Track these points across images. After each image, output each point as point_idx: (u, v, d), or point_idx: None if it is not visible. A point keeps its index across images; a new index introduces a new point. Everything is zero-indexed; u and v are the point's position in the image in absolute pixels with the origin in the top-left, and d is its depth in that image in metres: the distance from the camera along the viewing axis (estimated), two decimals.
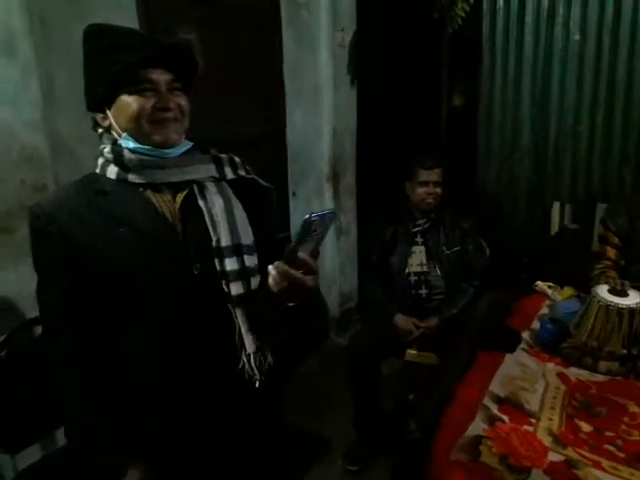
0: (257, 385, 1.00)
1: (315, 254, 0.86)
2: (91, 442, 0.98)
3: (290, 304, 0.91)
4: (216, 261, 0.96)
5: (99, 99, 0.95)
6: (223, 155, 1.04)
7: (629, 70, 2.50)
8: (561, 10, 2.57)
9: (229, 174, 1.03)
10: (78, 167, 1.58)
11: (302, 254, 0.83)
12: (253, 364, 0.99)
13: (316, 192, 2.96)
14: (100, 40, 0.93)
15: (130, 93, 0.91)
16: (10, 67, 1.42)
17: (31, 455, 1.44)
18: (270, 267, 0.85)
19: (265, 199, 1.10)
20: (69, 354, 0.97)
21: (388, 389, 2.21)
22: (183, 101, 0.97)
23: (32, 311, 1.36)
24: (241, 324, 0.98)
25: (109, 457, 0.97)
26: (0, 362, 1.29)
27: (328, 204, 3.04)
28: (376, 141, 3.12)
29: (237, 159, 1.07)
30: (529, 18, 2.66)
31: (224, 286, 0.97)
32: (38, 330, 1.37)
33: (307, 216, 0.78)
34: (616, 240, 2.13)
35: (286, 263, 0.84)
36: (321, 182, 2.99)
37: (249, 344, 0.99)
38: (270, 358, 1.03)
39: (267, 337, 1.03)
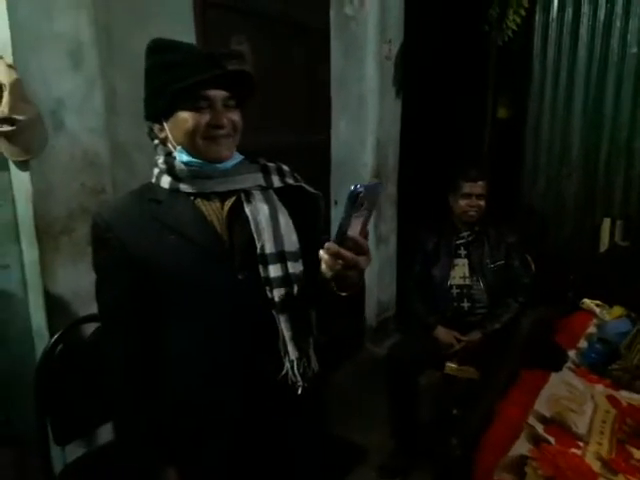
0: (299, 392, 1.00)
1: (364, 233, 0.82)
2: (133, 443, 1.03)
3: (343, 293, 0.89)
4: (260, 268, 0.98)
5: (158, 112, 0.99)
6: (271, 164, 1.06)
7: None
8: (618, 23, 2.51)
9: (276, 182, 1.04)
10: (134, 172, 1.67)
11: (351, 233, 0.79)
12: (296, 370, 1.00)
13: None
14: (162, 55, 0.97)
15: (187, 109, 0.95)
16: (77, 77, 1.50)
17: (79, 448, 1.51)
18: (321, 251, 0.81)
19: (313, 206, 1.11)
20: (122, 354, 1.02)
21: (426, 401, 2.19)
22: (236, 117, 0.99)
23: (87, 308, 1.44)
24: (284, 330, 0.99)
25: (145, 460, 1.02)
26: (56, 356, 1.35)
27: None
28: (419, 152, 3.12)
29: (285, 167, 1.09)
30: (583, 31, 2.61)
31: (268, 292, 0.99)
32: (91, 327, 1.43)
33: (352, 188, 0.73)
34: None
35: (337, 244, 0.80)
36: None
37: (292, 350, 1.00)
38: (315, 364, 1.04)
39: (319, 334, 1.05)
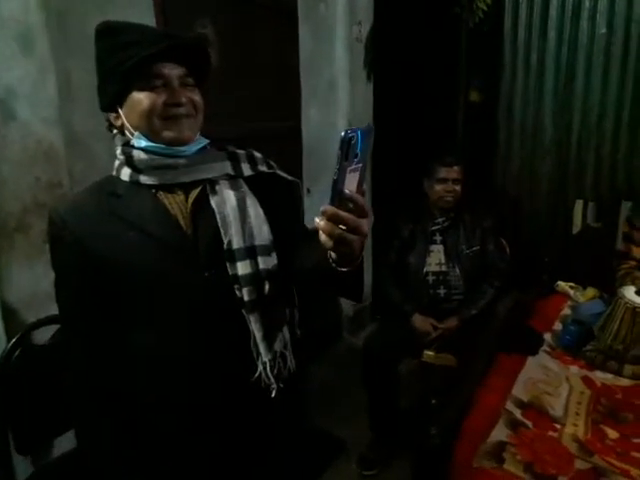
0: (273, 394, 0.96)
1: (361, 191, 0.68)
2: (96, 450, 0.97)
3: (343, 269, 0.76)
4: (227, 264, 0.93)
5: (111, 98, 0.93)
6: (241, 151, 1.01)
7: None
8: (587, 3, 2.50)
9: (246, 170, 0.99)
10: (94, 164, 1.59)
11: (348, 191, 0.66)
12: (269, 372, 0.95)
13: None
14: (111, 37, 0.90)
15: (141, 89, 0.89)
16: (27, 64, 1.40)
17: (45, 456, 1.44)
18: (316, 218, 0.68)
19: (289, 194, 1.06)
20: (84, 356, 0.96)
21: (404, 390, 2.18)
22: (196, 96, 0.94)
23: (47, 310, 1.36)
24: (255, 330, 0.94)
25: (109, 467, 0.96)
26: (14, 362, 1.27)
27: None
28: (392, 137, 3.08)
29: (257, 154, 1.03)
30: (553, 12, 2.59)
31: (236, 291, 0.93)
32: (51, 330, 1.36)
33: (343, 133, 0.61)
34: None
35: (333, 205, 0.67)
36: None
37: (264, 351, 0.95)
38: (291, 363, 0.99)
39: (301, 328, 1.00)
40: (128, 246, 0.90)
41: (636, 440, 1.30)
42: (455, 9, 2.69)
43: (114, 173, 0.97)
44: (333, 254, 0.73)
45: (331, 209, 0.66)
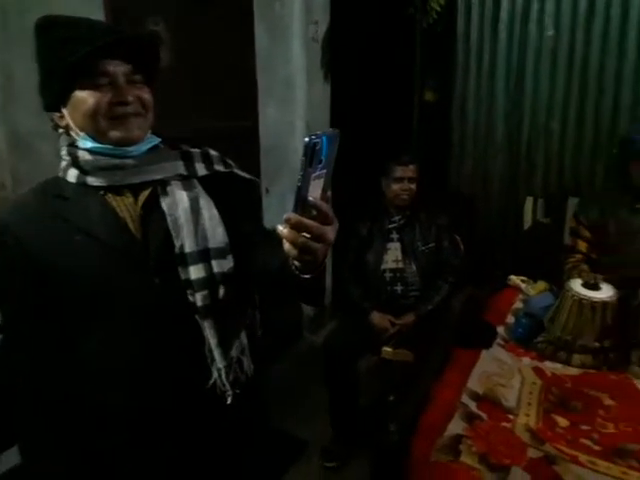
0: (229, 401, 0.94)
1: (325, 197, 0.65)
2: (38, 466, 0.94)
3: (306, 276, 0.73)
4: (179, 269, 0.90)
5: (54, 97, 0.88)
6: (195, 150, 0.97)
7: (601, 66, 2.53)
8: (535, 6, 2.59)
9: (201, 170, 0.95)
10: (38, 165, 1.52)
11: (312, 198, 0.63)
12: (224, 379, 0.93)
13: (291, 188, 2.89)
14: (52, 32, 0.85)
15: (84, 88, 0.85)
16: None
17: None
18: (279, 226, 0.65)
19: (248, 193, 1.04)
20: (27, 367, 0.92)
21: (364, 387, 2.20)
22: (145, 94, 0.89)
23: None
24: (210, 337, 0.91)
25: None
26: None
27: None
28: (349, 137, 3.09)
29: (213, 153, 0.99)
30: (503, 14, 2.67)
31: (189, 296, 0.90)
32: None
33: (307, 139, 0.59)
34: (587, 234, 2.16)
35: (297, 213, 0.64)
36: (295, 178, 2.93)
37: (219, 358, 0.92)
38: (249, 368, 0.97)
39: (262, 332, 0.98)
40: (74, 250, 0.87)
41: (585, 427, 1.36)
42: (409, 9, 2.73)
43: (60, 174, 0.93)
44: (296, 262, 0.71)
45: (294, 217, 0.63)
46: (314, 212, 0.64)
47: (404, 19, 2.86)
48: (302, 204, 0.63)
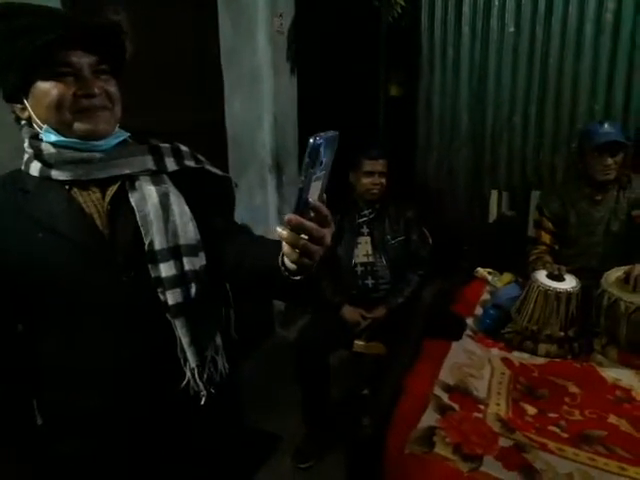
0: (202, 402, 0.92)
1: (322, 199, 0.65)
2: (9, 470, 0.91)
3: (297, 277, 0.72)
4: (150, 267, 0.87)
5: (13, 88, 0.83)
6: (165, 145, 0.94)
7: (560, 62, 2.59)
8: (497, 2, 2.62)
9: (170, 165, 0.92)
10: None
11: (312, 200, 0.63)
12: (198, 379, 0.91)
13: (259, 183, 2.88)
14: (10, 21, 0.81)
15: (47, 79, 0.80)
16: None
17: None
18: (278, 228, 0.65)
19: (220, 189, 1.02)
20: None
21: (335, 380, 2.20)
22: (111, 87, 0.86)
23: None
24: (182, 336, 0.89)
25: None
26: None
27: (272, 195, 2.97)
28: (318, 130, 3.07)
29: (184, 148, 0.97)
30: (466, 9, 2.69)
31: (160, 294, 0.88)
32: None
33: (311, 140, 0.59)
34: (550, 225, 2.22)
35: (297, 214, 0.64)
36: (264, 173, 2.92)
37: (192, 357, 0.90)
38: (223, 367, 0.95)
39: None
40: (38, 247, 0.83)
41: (552, 415, 1.40)
42: (374, 2, 2.73)
43: (22, 168, 0.88)
44: (291, 264, 0.69)
45: (296, 218, 0.63)
46: (312, 214, 0.64)
47: (369, 12, 2.86)
48: (303, 206, 0.63)
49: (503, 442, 1.27)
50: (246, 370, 2.48)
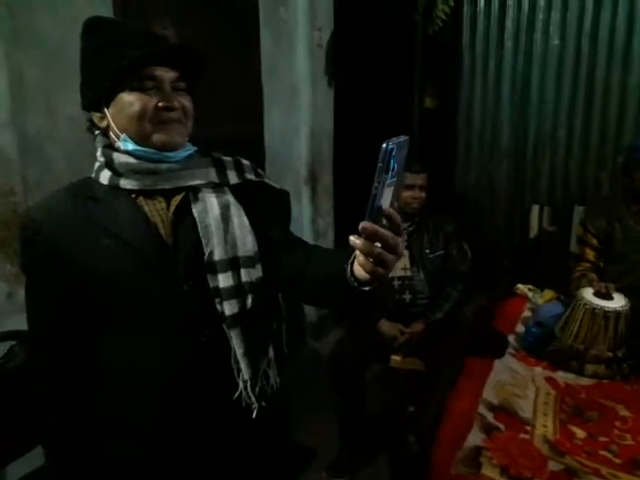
0: (254, 415, 0.92)
1: (395, 207, 0.63)
2: (64, 469, 0.94)
3: (366, 288, 0.70)
4: (208, 277, 0.88)
5: (98, 96, 0.87)
6: (227, 158, 0.96)
7: (607, 75, 2.55)
8: (541, 15, 2.60)
9: (232, 178, 0.94)
10: (48, 169, 1.50)
11: (386, 206, 0.61)
12: (250, 391, 0.91)
13: (294, 194, 2.87)
14: (103, 34, 0.85)
15: (132, 90, 0.84)
16: None
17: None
18: (351, 237, 0.63)
19: (278, 203, 1.03)
20: (51, 369, 0.91)
21: (371, 396, 2.17)
22: (187, 102, 0.89)
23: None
24: (236, 347, 0.90)
25: None
26: None
27: (306, 207, 2.99)
28: (352, 143, 3.09)
29: (245, 162, 0.99)
30: (509, 23, 2.68)
31: (217, 305, 0.89)
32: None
33: (384, 145, 0.57)
34: (595, 242, 2.16)
35: (370, 221, 0.61)
36: (299, 184, 2.94)
37: (245, 369, 0.90)
38: (275, 381, 0.96)
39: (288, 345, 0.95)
40: (103, 253, 0.85)
41: (602, 439, 1.35)
42: (415, 16, 2.74)
43: (93, 175, 0.91)
44: (363, 274, 0.67)
45: (371, 226, 0.61)
46: (384, 222, 0.62)
47: (407, 26, 2.87)
48: (377, 213, 0.61)
49: (553, 466, 1.23)
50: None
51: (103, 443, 0.93)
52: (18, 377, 1.25)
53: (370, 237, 0.62)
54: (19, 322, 1.14)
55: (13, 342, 1.33)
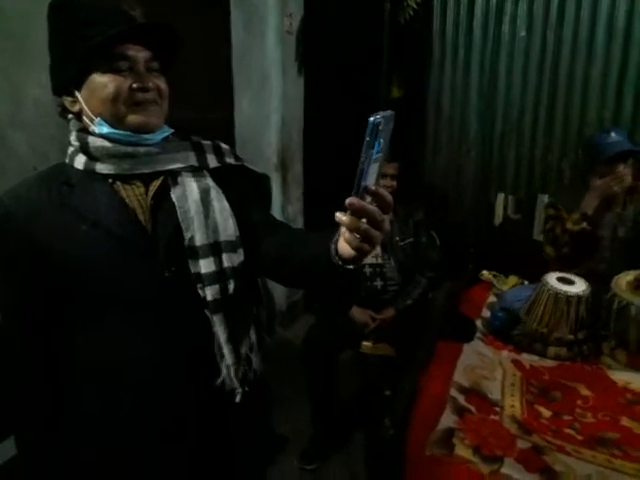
0: (238, 399, 0.92)
1: (379, 183, 0.63)
2: (34, 464, 0.93)
3: (350, 266, 0.70)
4: (190, 262, 0.87)
5: (69, 80, 0.84)
6: (206, 142, 0.95)
7: (571, 67, 2.62)
8: (509, 7, 2.65)
9: (212, 162, 0.93)
10: (11, 155, 1.43)
11: (370, 183, 0.61)
12: (233, 376, 0.91)
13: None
14: (71, 13, 0.82)
15: (104, 72, 0.81)
16: None
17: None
18: (338, 213, 0.62)
19: (258, 186, 1.02)
20: (23, 360, 0.89)
21: (343, 382, 2.20)
22: (162, 83, 0.87)
23: None
24: (219, 332, 0.89)
25: None
26: None
27: (276, 194, 2.98)
28: (322, 131, 3.09)
29: (224, 146, 0.98)
30: (478, 12, 2.72)
31: (199, 290, 0.88)
32: None
33: (371, 118, 0.56)
34: (567, 215, 2.20)
35: (358, 197, 0.61)
36: (269, 171, 2.93)
37: (228, 354, 0.91)
38: (258, 366, 0.96)
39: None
40: (79, 240, 0.83)
41: (566, 417, 1.41)
42: (385, 4, 2.74)
43: (67, 160, 0.89)
44: (349, 251, 0.66)
45: (358, 202, 0.60)
46: (369, 198, 0.62)
47: (378, 14, 2.87)
48: (364, 189, 0.60)
49: (521, 444, 1.28)
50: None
51: (85, 436, 0.91)
52: None
53: (357, 213, 0.61)
54: None
55: None
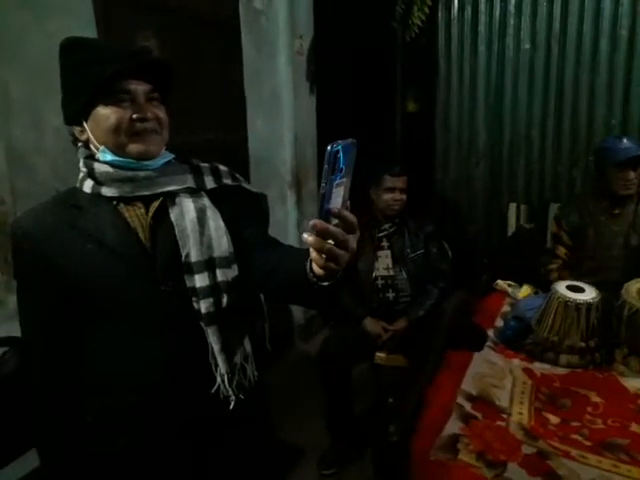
0: (232, 406, 0.97)
1: (346, 205, 0.67)
2: (56, 470, 0.99)
3: (325, 283, 0.74)
4: (186, 277, 0.94)
5: (76, 112, 0.92)
6: (205, 164, 1.02)
7: (576, 77, 2.64)
8: (512, 21, 2.69)
9: (209, 183, 1.00)
10: (36, 179, 1.54)
11: (334, 206, 0.65)
12: (227, 384, 0.97)
13: (279, 199, 2.96)
14: (79, 53, 0.90)
15: (107, 104, 0.89)
16: None
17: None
18: (304, 234, 0.66)
19: (255, 206, 1.08)
20: (46, 371, 0.96)
21: (358, 392, 2.23)
22: (161, 113, 0.95)
23: None
24: (213, 343, 0.95)
25: None
26: None
27: (291, 211, 3.05)
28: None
29: (223, 167, 1.05)
30: (482, 28, 2.77)
31: (194, 303, 0.94)
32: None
33: (329, 147, 0.61)
34: (566, 238, 2.25)
35: (321, 219, 0.65)
36: (284, 189, 3.00)
37: (222, 364, 0.96)
38: (252, 374, 1.01)
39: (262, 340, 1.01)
40: (86, 258, 0.91)
41: (575, 424, 1.42)
42: (391, 23, 2.81)
43: (77, 185, 0.97)
44: (318, 269, 0.71)
45: (321, 223, 0.64)
46: (336, 220, 0.66)
47: (386, 33, 2.95)
48: (326, 212, 0.65)
49: (526, 449, 1.29)
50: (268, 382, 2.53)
51: (93, 441, 0.98)
52: (11, 383, 1.30)
53: (321, 234, 0.65)
54: (10, 329, 1.19)
55: (5, 348, 1.37)
